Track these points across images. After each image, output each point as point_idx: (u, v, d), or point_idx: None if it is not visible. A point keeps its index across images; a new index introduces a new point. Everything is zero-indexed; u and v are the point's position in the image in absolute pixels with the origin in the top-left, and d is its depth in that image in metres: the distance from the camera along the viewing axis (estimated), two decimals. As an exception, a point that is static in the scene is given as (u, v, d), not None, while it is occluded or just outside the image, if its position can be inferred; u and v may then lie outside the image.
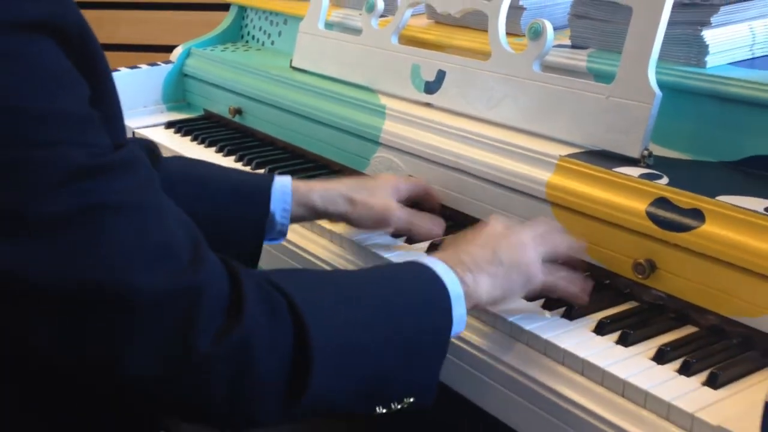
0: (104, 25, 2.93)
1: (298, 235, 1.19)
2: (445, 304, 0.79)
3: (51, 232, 0.61)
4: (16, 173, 0.60)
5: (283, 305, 0.70)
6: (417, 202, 1.15)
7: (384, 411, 0.76)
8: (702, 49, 1.00)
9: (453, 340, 0.85)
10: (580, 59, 1.12)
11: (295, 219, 1.07)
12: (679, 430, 0.75)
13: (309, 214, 1.07)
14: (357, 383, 0.74)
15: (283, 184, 1.06)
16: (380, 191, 1.08)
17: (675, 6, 1.00)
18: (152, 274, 0.64)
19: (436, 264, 0.81)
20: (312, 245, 1.18)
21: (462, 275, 0.82)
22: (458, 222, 1.14)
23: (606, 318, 0.89)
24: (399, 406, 0.77)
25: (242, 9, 1.87)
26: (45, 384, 0.69)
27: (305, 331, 0.70)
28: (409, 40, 1.36)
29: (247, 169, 1.42)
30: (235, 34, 1.88)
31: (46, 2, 0.62)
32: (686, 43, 1.01)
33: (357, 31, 1.43)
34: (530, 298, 0.94)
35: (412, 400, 0.77)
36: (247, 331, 0.67)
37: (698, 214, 0.88)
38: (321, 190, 1.07)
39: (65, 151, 0.61)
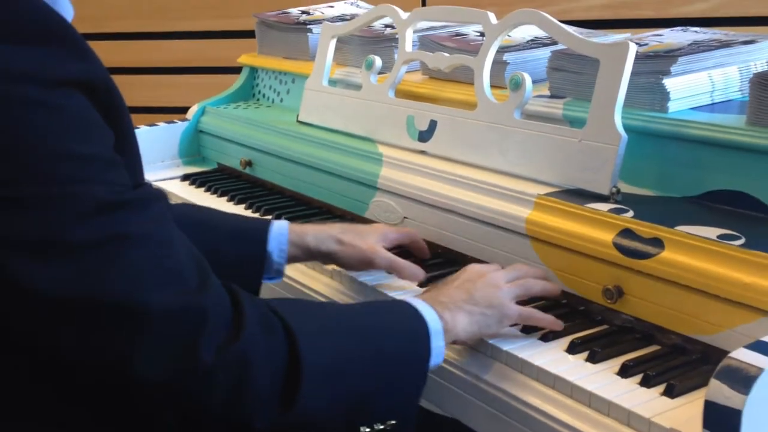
0: (125, 88, 3.05)
1: (299, 272, 1.28)
2: (424, 337, 0.89)
3: (78, 256, 0.71)
4: (50, 205, 0.70)
5: (278, 327, 0.80)
6: (406, 250, 1.24)
7: (368, 430, 0.85)
8: (664, 95, 1.10)
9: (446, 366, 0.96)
10: (557, 107, 1.22)
11: (291, 259, 1.17)
12: (639, 435, 0.83)
13: (303, 254, 1.18)
14: (342, 401, 0.83)
15: (280, 226, 1.17)
16: (369, 236, 1.18)
17: (638, 57, 1.10)
18: (163, 294, 0.74)
19: (418, 302, 0.92)
20: (314, 282, 1.27)
21: (441, 313, 0.92)
22: (449, 259, 1.23)
23: (577, 339, 0.97)
24: (382, 427, 0.85)
25: (254, 70, 2.00)
26: (61, 382, 0.78)
27: (297, 351, 0.79)
28: (404, 94, 1.47)
29: (257, 215, 1.52)
30: (247, 93, 2.00)
31: (80, 64, 0.73)
32: (650, 90, 1.11)
33: (358, 87, 1.54)
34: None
35: (393, 422, 0.85)
36: (246, 347, 0.76)
37: (658, 243, 0.96)
38: (314, 232, 1.18)
39: (93, 188, 0.72)
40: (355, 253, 1.16)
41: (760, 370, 0.71)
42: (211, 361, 0.74)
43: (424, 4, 2.95)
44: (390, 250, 1.19)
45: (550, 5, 2.76)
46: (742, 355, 0.73)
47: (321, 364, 0.80)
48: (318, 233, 1.17)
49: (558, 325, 1.00)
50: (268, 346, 0.78)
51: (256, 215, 1.52)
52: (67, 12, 0.82)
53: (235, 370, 0.76)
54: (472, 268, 1.03)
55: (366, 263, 1.16)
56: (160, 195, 0.80)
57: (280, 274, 1.17)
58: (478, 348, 1.01)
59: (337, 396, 0.82)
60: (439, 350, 0.90)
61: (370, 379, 0.84)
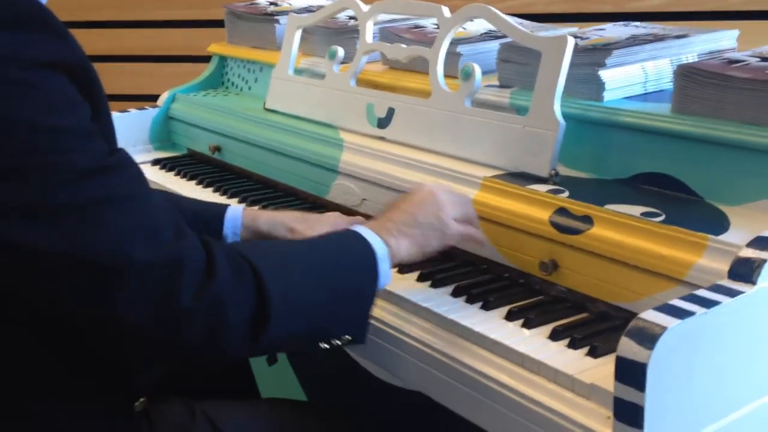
0: (100, 76, 3.13)
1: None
2: (372, 262, 1.00)
3: (63, 218, 0.80)
4: (37, 173, 0.79)
5: (246, 268, 0.90)
6: None
7: (327, 347, 0.97)
8: (600, 86, 1.19)
9: (397, 335, 1.07)
10: (504, 96, 1.31)
11: (244, 242, 1.26)
12: (564, 390, 0.92)
13: (255, 238, 1.26)
14: (304, 324, 0.94)
15: (234, 210, 1.26)
16: (320, 226, 1.24)
17: (577, 50, 1.19)
18: (143, 248, 0.83)
19: (365, 231, 1.03)
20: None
21: (386, 239, 1.03)
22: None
23: (514, 307, 1.06)
24: (339, 343, 0.98)
25: (223, 59, 2.07)
26: (55, 337, 0.88)
27: (264, 287, 0.89)
28: (365, 83, 1.56)
29: (224, 198, 1.60)
30: (217, 81, 2.07)
31: (58, 46, 0.82)
32: (587, 81, 1.20)
33: (321, 76, 1.62)
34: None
35: (348, 337, 0.98)
36: (220, 289, 0.86)
37: (588, 220, 1.06)
38: (267, 218, 1.26)
39: (72, 157, 0.81)
40: None
41: (664, 328, 0.80)
42: (189, 305, 0.84)
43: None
44: None
45: (513, -1, 2.85)
46: (649, 315, 0.82)
47: (285, 295, 0.91)
48: (270, 219, 1.26)
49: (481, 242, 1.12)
50: (238, 287, 0.88)
51: (224, 198, 1.60)
52: None
53: (211, 311, 0.86)
54: (422, 189, 1.12)
55: None
56: (132, 158, 0.89)
57: None
58: (425, 316, 1.09)
59: (301, 320, 0.94)
60: (385, 272, 1.02)
61: (329, 303, 0.96)
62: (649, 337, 0.80)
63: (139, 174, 0.88)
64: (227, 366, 1.16)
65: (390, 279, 1.03)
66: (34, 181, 0.79)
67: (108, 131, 0.89)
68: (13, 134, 0.78)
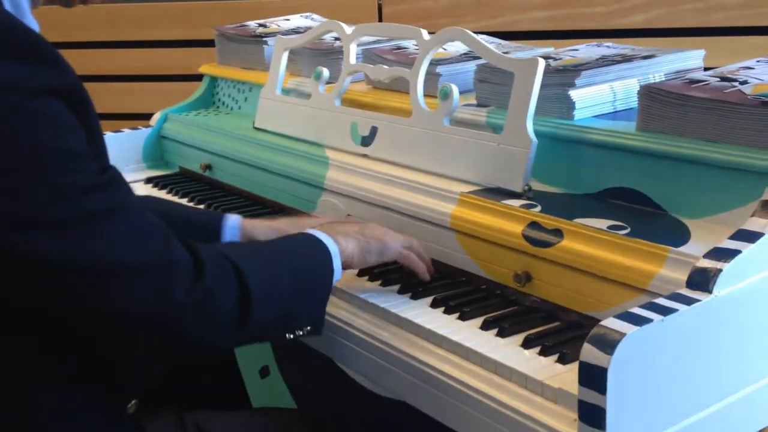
0: (92, 95, 3.18)
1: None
2: (328, 260, 1.13)
3: (71, 229, 0.89)
4: (44, 191, 0.88)
5: (228, 266, 1.01)
6: None
7: (291, 337, 1.09)
8: (570, 105, 1.25)
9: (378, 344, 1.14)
10: (481, 115, 1.37)
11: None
12: (533, 395, 0.97)
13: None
14: (279, 314, 1.06)
15: (233, 220, 1.32)
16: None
17: (548, 71, 1.25)
18: (138, 253, 0.93)
19: (318, 233, 1.16)
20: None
21: (336, 239, 1.16)
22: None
23: (490, 317, 1.12)
24: (301, 333, 1.09)
25: (214, 79, 2.12)
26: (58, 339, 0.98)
27: (245, 282, 1.01)
28: (350, 102, 1.61)
29: (214, 214, 1.65)
30: (208, 101, 2.13)
31: (55, 75, 0.89)
32: (557, 100, 1.26)
33: (308, 96, 1.67)
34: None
35: (309, 328, 1.10)
36: (208, 285, 0.97)
37: (559, 233, 1.11)
38: (263, 228, 1.33)
39: (73, 176, 0.90)
40: None
41: (623, 334, 0.85)
42: (182, 300, 0.95)
43: (380, 15, 3.09)
44: None
45: (500, 17, 2.92)
46: (609, 323, 0.87)
47: (262, 290, 1.02)
48: (266, 228, 1.32)
49: (426, 276, 1.23)
50: (224, 282, 1.00)
51: (215, 214, 1.65)
52: (34, 26, 0.97)
53: (202, 305, 0.97)
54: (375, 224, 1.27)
55: None
56: (121, 174, 0.99)
57: None
58: (407, 327, 1.14)
59: (275, 312, 1.05)
60: (338, 269, 1.14)
61: (294, 297, 1.08)
62: (609, 343, 0.85)
63: (128, 187, 0.98)
64: (216, 353, 1.33)
65: (341, 276, 1.15)
66: (41, 198, 0.87)
67: (101, 149, 0.97)
68: (20, 156, 0.86)
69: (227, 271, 1.00)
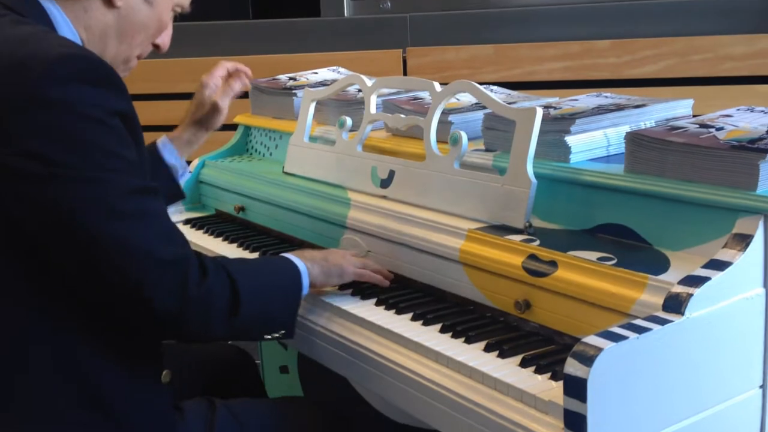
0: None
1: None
2: (298, 277, 1.38)
3: (123, 219, 1.15)
4: (109, 184, 1.14)
5: (222, 270, 1.26)
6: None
7: (269, 338, 1.35)
8: (566, 149, 1.38)
9: (403, 371, 1.27)
10: (488, 159, 1.50)
11: (185, 153, 1.85)
12: (528, 407, 1.09)
13: (189, 144, 1.86)
14: (260, 315, 1.31)
15: (163, 142, 1.80)
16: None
17: (546, 119, 1.38)
18: (168, 249, 1.19)
19: (290, 256, 1.41)
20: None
21: (304, 261, 1.41)
22: (401, 283, 1.50)
23: (492, 341, 1.24)
24: (277, 335, 1.34)
25: (247, 128, 2.28)
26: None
27: (235, 285, 1.26)
28: (371, 148, 1.75)
29: (247, 252, 1.80)
30: (242, 148, 2.29)
31: (121, 101, 1.18)
32: (555, 145, 1.39)
33: (332, 142, 1.82)
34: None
35: (282, 332, 1.34)
36: (211, 284, 1.22)
37: (554, 264, 1.23)
38: (183, 126, 1.86)
39: (128, 177, 1.16)
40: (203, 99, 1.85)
41: (600, 349, 0.97)
42: (195, 294, 1.20)
43: (405, 66, 3.26)
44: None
45: (517, 68, 3.06)
46: (590, 340, 1.00)
47: (248, 292, 1.27)
48: (185, 127, 1.86)
49: (386, 282, 1.48)
50: (221, 285, 1.24)
51: (247, 252, 1.80)
52: None
53: (205, 300, 1.21)
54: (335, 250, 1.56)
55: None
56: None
57: (184, 168, 1.84)
58: (414, 349, 1.27)
59: (258, 311, 1.30)
60: (305, 285, 1.39)
61: (272, 303, 1.33)
62: (588, 357, 0.97)
63: (162, 199, 1.24)
64: (208, 341, 1.67)
65: (308, 291, 1.41)
66: (106, 189, 1.13)
67: (146, 165, 1.25)
68: (96, 155, 1.13)
69: (221, 274, 1.25)
